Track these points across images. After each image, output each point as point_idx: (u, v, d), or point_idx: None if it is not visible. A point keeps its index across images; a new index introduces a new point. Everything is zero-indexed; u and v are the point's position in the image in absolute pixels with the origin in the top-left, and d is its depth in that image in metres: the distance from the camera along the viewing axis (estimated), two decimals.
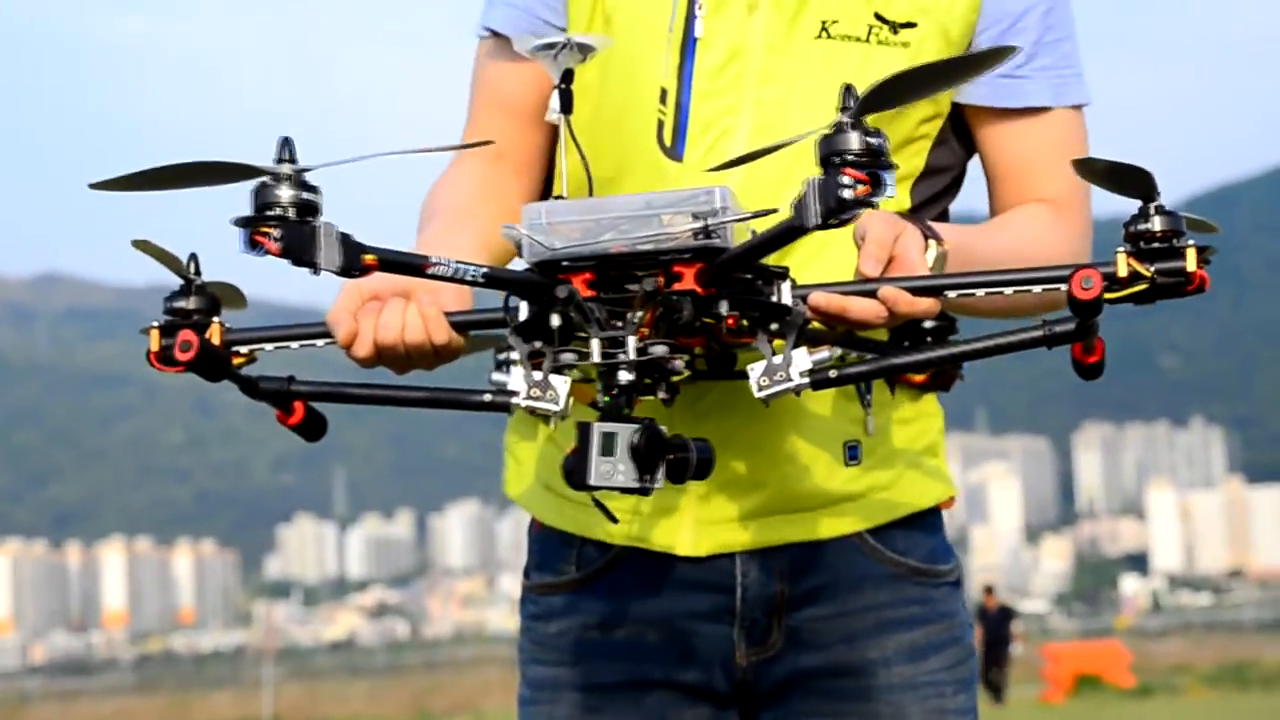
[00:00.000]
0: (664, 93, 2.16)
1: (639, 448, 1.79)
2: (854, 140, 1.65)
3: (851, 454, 2.20)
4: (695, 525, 2.20)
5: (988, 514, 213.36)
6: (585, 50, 1.99)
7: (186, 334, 1.85)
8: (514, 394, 1.85)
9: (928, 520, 2.28)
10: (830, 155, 1.66)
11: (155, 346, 1.88)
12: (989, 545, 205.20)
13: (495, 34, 2.29)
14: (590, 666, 2.24)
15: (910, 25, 2.16)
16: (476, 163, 2.28)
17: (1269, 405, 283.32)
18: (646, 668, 2.23)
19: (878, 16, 2.15)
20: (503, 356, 2.05)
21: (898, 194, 2.09)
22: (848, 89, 1.67)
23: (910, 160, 2.21)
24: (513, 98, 2.29)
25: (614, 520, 2.04)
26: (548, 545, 2.30)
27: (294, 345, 1.96)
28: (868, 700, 2.21)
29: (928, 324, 2.02)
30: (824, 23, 2.15)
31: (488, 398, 1.88)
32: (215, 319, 1.91)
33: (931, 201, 2.25)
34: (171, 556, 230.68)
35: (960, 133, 2.27)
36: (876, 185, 1.65)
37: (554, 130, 2.23)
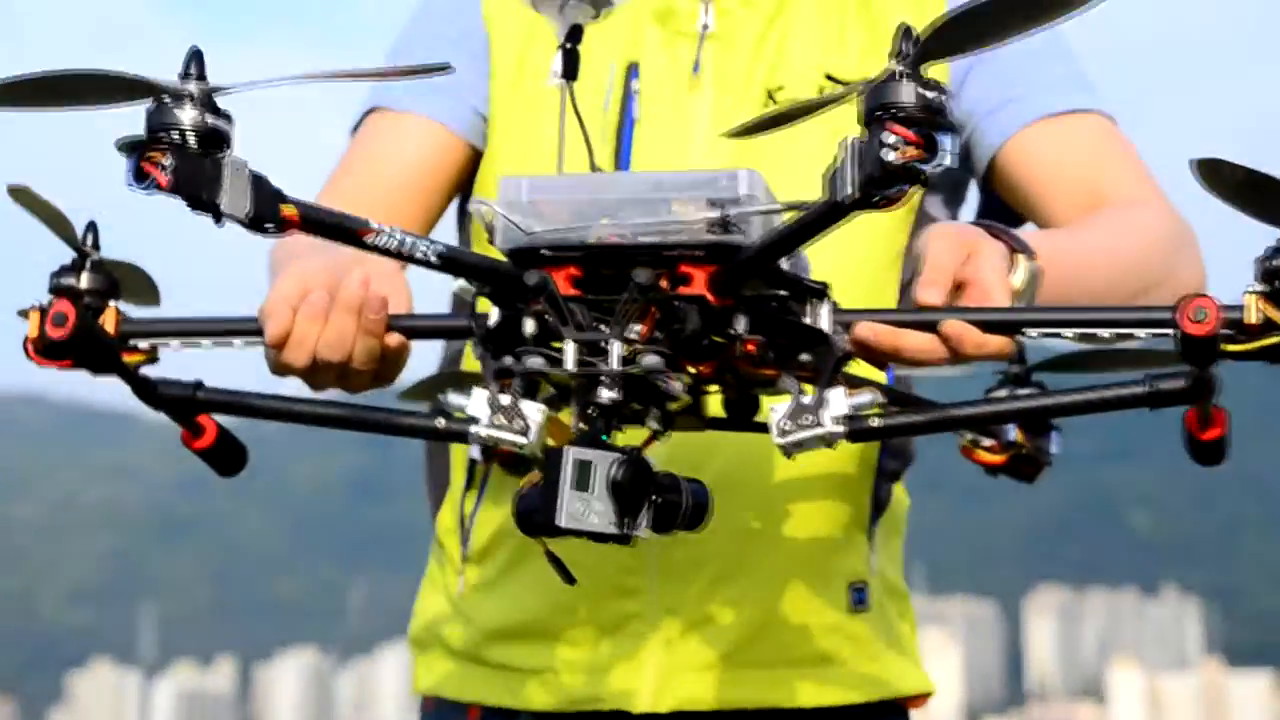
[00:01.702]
0: None
1: (621, 482, 1.32)
2: (907, 91, 1.19)
3: (859, 598, 1.82)
4: (659, 674, 1.78)
5: None
6: (599, 5, 1.58)
7: (61, 304, 1.37)
8: (474, 420, 1.36)
9: None
10: (876, 109, 1.20)
11: (34, 333, 1.39)
12: None
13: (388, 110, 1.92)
14: None
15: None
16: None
17: (1255, 574, 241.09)
18: None
19: (830, 78, 1.84)
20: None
21: (893, 272, 1.82)
22: (905, 30, 1.21)
23: (898, 237, 1.86)
24: (398, 164, 1.90)
25: (571, 581, 1.45)
26: None
27: (205, 343, 1.48)
28: None
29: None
30: (769, 91, 1.83)
31: (441, 423, 1.39)
32: (111, 303, 1.47)
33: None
34: None
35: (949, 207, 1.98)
36: (931, 149, 1.18)
37: (429, 210, 1.92)
